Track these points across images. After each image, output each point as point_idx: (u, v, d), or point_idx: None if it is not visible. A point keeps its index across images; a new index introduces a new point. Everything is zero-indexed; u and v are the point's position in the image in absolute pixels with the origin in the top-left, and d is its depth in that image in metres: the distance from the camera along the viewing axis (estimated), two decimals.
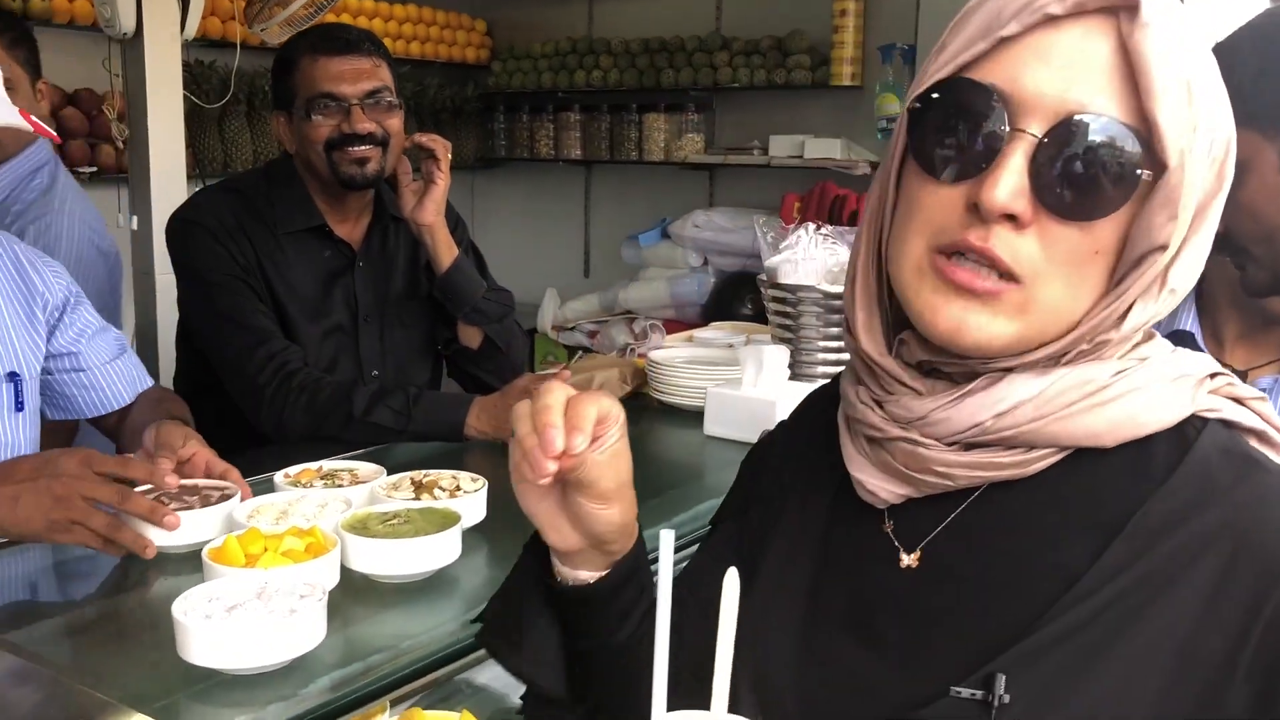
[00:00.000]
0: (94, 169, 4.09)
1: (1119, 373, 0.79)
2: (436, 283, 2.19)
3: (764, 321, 4.59)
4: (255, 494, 1.48)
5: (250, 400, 1.98)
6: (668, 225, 5.06)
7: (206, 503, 1.44)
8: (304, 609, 1.11)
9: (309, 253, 2.14)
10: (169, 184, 3.13)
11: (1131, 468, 0.79)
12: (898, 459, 0.83)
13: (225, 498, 1.46)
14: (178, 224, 2.13)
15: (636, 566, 0.88)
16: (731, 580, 0.79)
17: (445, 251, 2.17)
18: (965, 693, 0.77)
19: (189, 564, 1.33)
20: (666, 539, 0.80)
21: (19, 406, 1.68)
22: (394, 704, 1.35)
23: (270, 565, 1.22)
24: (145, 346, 3.20)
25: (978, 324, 0.77)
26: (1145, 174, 0.74)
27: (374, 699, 1.12)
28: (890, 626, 0.83)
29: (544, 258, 5.68)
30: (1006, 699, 0.75)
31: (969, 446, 0.80)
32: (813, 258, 2.06)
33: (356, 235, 2.21)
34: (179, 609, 1.10)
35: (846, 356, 2.17)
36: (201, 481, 1.51)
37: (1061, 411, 0.78)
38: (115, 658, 1.17)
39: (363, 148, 2.06)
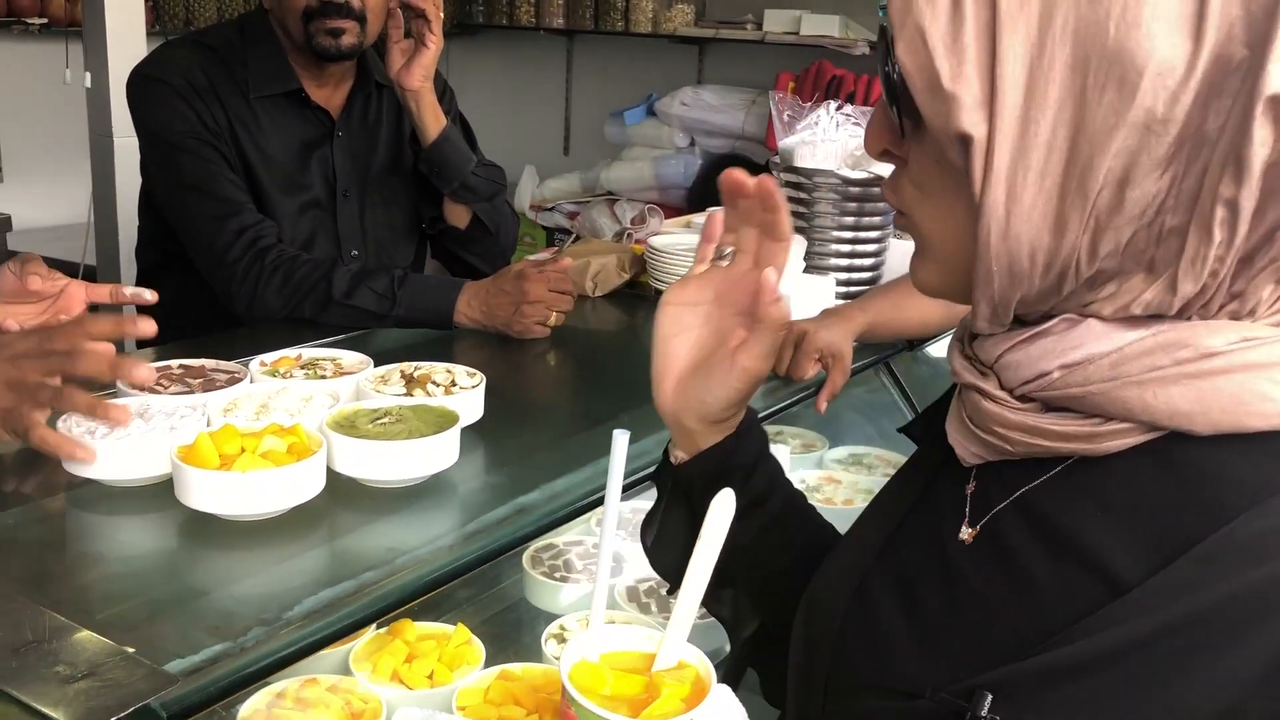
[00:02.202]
0: (43, 21, 3.82)
1: (1244, 341, 0.63)
2: (422, 155, 2.02)
3: None
4: (223, 382, 1.34)
5: (219, 277, 1.82)
6: (654, 102, 4.86)
7: (210, 387, 1.30)
8: (184, 427, 1.16)
9: (284, 119, 1.96)
10: (126, 39, 2.90)
11: (1226, 468, 0.64)
12: (967, 410, 0.73)
13: (233, 381, 1.32)
14: (141, 80, 1.93)
15: (746, 446, 0.90)
16: (724, 501, 0.74)
17: (432, 120, 1.99)
18: (946, 699, 0.67)
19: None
20: (619, 440, 0.79)
21: None
22: (383, 623, 1.24)
23: (249, 469, 1.08)
24: (104, 217, 3.02)
25: (914, 263, 0.74)
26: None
27: (367, 623, 1.00)
28: (929, 599, 0.74)
29: (522, 133, 5.45)
30: (993, 717, 0.65)
31: (1046, 408, 0.68)
32: (832, 139, 1.91)
33: (336, 102, 2.02)
34: (63, 426, 1.14)
35: (863, 248, 2.02)
36: (208, 362, 1.38)
37: (1142, 375, 0.64)
38: (86, 586, 1.04)
39: (339, 20, 1.87)
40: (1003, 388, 0.70)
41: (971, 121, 0.62)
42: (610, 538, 0.79)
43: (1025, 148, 0.61)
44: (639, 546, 1.59)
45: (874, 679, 0.74)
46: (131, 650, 0.87)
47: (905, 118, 0.68)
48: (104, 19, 2.88)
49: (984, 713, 0.64)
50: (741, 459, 0.90)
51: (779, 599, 0.93)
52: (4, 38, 4.08)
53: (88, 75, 2.94)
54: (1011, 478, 0.72)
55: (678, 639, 0.74)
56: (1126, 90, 0.58)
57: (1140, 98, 0.58)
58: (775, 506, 0.93)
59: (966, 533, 0.74)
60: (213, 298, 1.87)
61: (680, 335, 0.87)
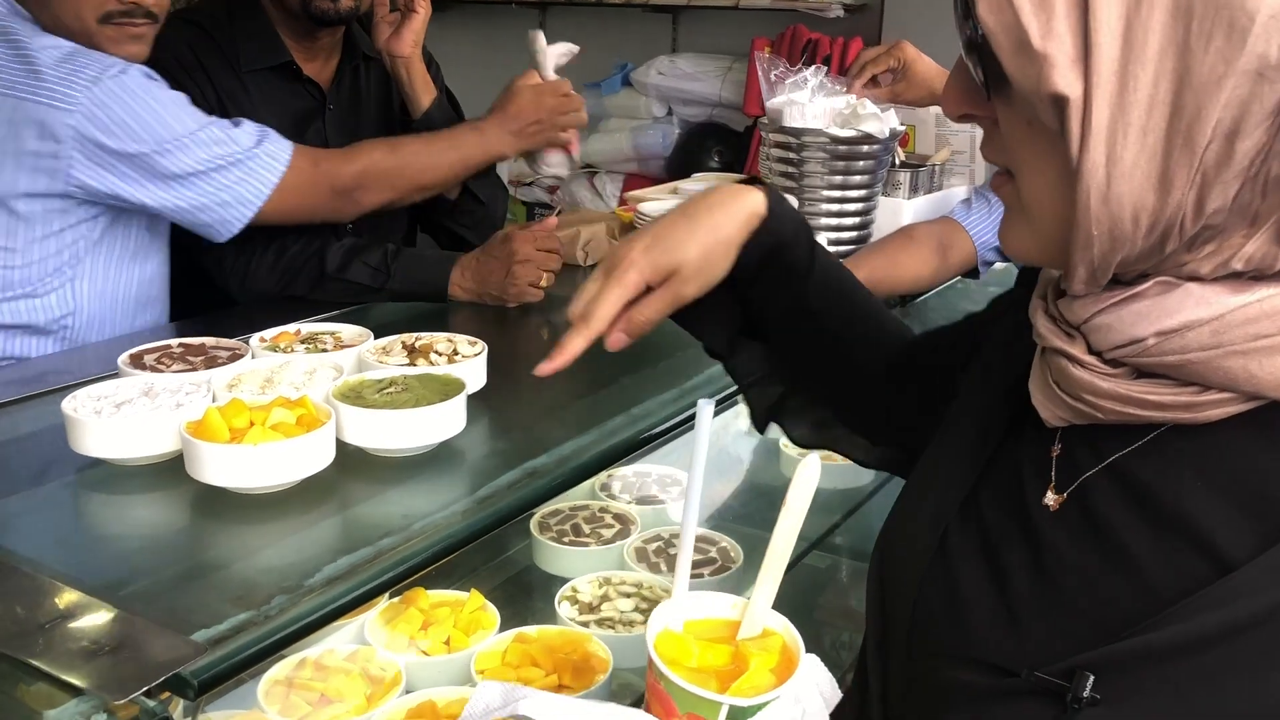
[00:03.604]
0: None
1: None
2: (413, 126, 2.01)
3: (732, 173, 4.43)
4: (225, 359, 1.34)
5: (211, 257, 1.81)
6: (629, 72, 4.83)
7: (212, 364, 1.30)
8: (190, 404, 1.15)
9: (275, 94, 1.94)
10: None
11: None
12: (1052, 374, 0.70)
13: (235, 357, 1.32)
14: None
15: (773, 241, 0.96)
16: (809, 468, 0.73)
17: (423, 90, 1.98)
18: (1044, 679, 0.65)
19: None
20: (704, 410, 0.76)
21: None
22: (395, 592, 1.25)
23: (259, 441, 1.08)
24: None
25: (1006, 227, 0.71)
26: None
27: (388, 588, 1.01)
28: (1016, 567, 0.71)
29: None
30: (1095, 697, 0.63)
31: (1138, 374, 0.66)
32: (819, 99, 1.91)
33: (326, 75, 2.01)
34: (69, 406, 1.13)
35: (851, 207, 2.02)
36: (208, 340, 1.39)
37: (1246, 344, 0.61)
38: (106, 563, 1.04)
39: None
40: (1091, 351, 0.67)
41: (1066, 81, 0.59)
42: (695, 503, 0.77)
43: (1125, 105, 0.58)
44: (645, 509, 1.61)
45: (959, 649, 0.72)
46: (157, 622, 0.88)
47: (989, 78, 0.64)
48: None
49: (1085, 694, 0.62)
50: (775, 238, 0.96)
51: (804, 365, 1.03)
52: None
53: None
54: (1101, 443, 0.69)
55: (763, 606, 0.73)
56: (1236, 36, 0.55)
57: (1252, 43, 0.55)
58: (819, 278, 0.99)
59: (1052, 498, 0.71)
60: (205, 278, 1.86)
61: None
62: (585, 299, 0.96)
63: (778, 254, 0.97)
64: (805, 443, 1.13)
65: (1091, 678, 0.63)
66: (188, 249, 1.85)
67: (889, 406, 1.03)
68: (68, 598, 0.91)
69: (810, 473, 0.73)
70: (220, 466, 1.08)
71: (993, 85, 0.65)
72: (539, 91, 2.04)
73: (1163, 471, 0.66)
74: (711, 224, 0.95)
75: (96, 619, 0.89)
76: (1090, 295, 0.66)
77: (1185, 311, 0.63)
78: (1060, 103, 0.59)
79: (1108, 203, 0.60)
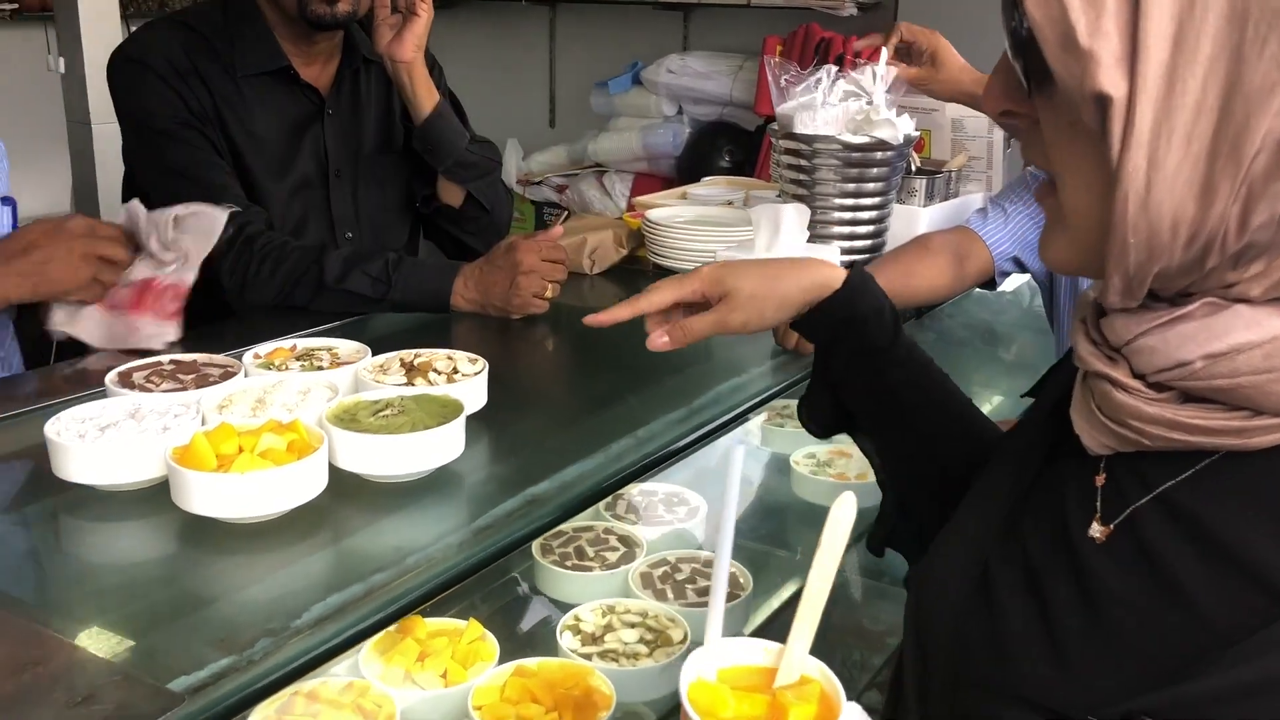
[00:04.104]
0: (14, 6, 3.73)
1: None
2: (415, 132, 1.96)
3: (742, 174, 4.39)
4: (217, 377, 1.29)
5: (209, 267, 1.76)
6: (640, 71, 4.78)
7: (204, 383, 1.26)
8: (178, 427, 1.11)
9: (272, 99, 1.90)
10: (100, 21, 2.83)
11: None
12: (1095, 400, 0.67)
13: (227, 375, 1.28)
14: (121, 63, 1.86)
15: (846, 314, 1.00)
16: (845, 505, 0.69)
17: (426, 95, 1.93)
18: None
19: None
20: (735, 455, 0.74)
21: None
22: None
23: (247, 469, 1.04)
24: (85, 205, 2.95)
25: (1045, 236, 0.69)
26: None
27: (379, 629, 0.96)
28: (1062, 601, 0.69)
29: (506, 106, 5.36)
30: None
31: (1185, 398, 0.63)
32: (832, 104, 1.85)
33: (325, 80, 1.96)
34: (51, 429, 1.10)
35: (865, 215, 1.98)
36: (200, 357, 1.34)
37: None
38: (83, 599, 0.99)
39: None
40: (1135, 375, 0.64)
41: (1110, 80, 0.57)
42: (726, 554, 0.75)
43: (1171, 109, 0.56)
44: (652, 530, 1.56)
45: (1004, 686, 0.70)
46: (133, 670, 0.83)
47: (1032, 75, 0.63)
48: (75, 2, 2.80)
49: None
50: (847, 311, 1.00)
51: (897, 456, 1.04)
52: None
53: (62, 61, 2.87)
54: (1148, 472, 0.66)
55: (800, 652, 0.70)
56: None
57: None
58: (898, 358, 1.00)
59: (1098, 530, 0.69)
60: (203, 288, 1.81)
61: None
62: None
63: (850, 327, 1.00)
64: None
65: None
66: None
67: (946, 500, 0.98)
68: (38, 640, 0.87)
69: (846, 511, 0.70)
70: (206, 496, 1.03)
71: (1035, 83, 0.63)
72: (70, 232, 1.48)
73: (1214, 501, 0.63)
74: (776, 273, 1.02)
75: (68, 664, 0.84)
76: (1133, 315, 0.64)
77: (1235, 334, 0.60)
78: (1103, 102, 0.57)
79: (1146, 210, 0.58)
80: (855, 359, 1.01)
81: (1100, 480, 0.70)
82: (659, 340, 1.07)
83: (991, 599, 0.73)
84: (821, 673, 0.70)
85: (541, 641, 1.37)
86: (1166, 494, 0.65)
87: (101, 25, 2.83)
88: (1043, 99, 0.63)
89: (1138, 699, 0.62)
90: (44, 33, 3.37)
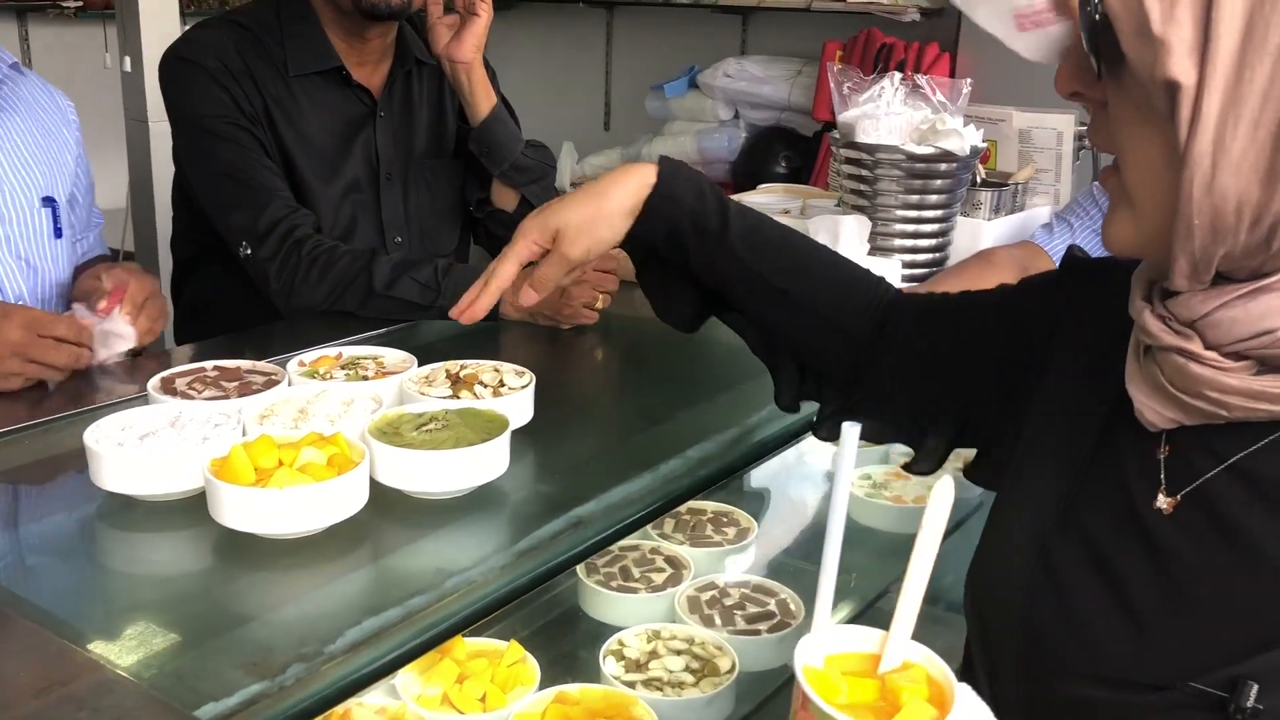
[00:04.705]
0: (79, 4, 3.77)
1: None
2: (472, 134, 1.93)
3: (799, 181, 4.32)
4: (260, 385, 1.27)
5: (256, 271, 1.75)
6: (696, 74, 4.73)
7: (246, 390, 1.23)
8: (217, 437, 1.09)
9: (324, 99, 1.87)
10: (160, 19, 2.84)
11: None
12: (1165, 374, 0.68)
13: (271, 383, 1.25)
14: (172, 63, 1.85)
15: (659, 223, 1.04)
16: (945, 487, 0.68)
17: (484, 97, 1.90)
18: (1203, 690, 0.64)
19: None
20: (849, 433, 0.73)
21: (58, 233, 1.63)
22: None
23: (286, 485, 1.00)
24: (141, 203, 2.96)
25: (1109, 219, 0.71)
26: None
27: (415, 655, 0.92)
28: (1135, 575, 0.70)
29: (560, 109, 5.35)
30: (1258, 708, 0.61)
31: (1261, 368, 0.64)
32: (895, 113, 1.80)
33: (377, 81, 1.94)
34: (90, 437, 1.08)
35: (927, 228, 1.91)
36: (244, 363, 1.32)
37: None
38: (113, 615, 0.96)
39: None
40: (1208, 347, 0.65)
41: (1181, 67, 0.59)
42: (838, 536, 0.73)
43: (1239, 96, 0.58)
44: (699, 552, 1.51)
45: (1082, 666, 0.71)
46: (161, 693, 0.80)
47: (1104, 59, 0.65)
48: (136, 0, 2.81)
49: (1249, 703, 0.61)
50: (671, 205, 1.02)
51: (778, 321, 1.06)
52: (42, 21, 4.03)
53: (125, 59, 2.88)
54: (1217, 443, 0.68)
55: (902, 637, 0.70)
56: None
57: None
58: (737, 238, 1.02)
59: (1165, 502, 0.70)
60: (251, 291, 1.80)
61: None
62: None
63: (681, 219, 1.02)
64: (829, 436, 1.12)
65: (1256, 687, 0.62)
66: (234, 262, 1.79)
67: (858, 366, 1.04)
68: (66, 658, 0.84)
69: (945, 493, 0.69)
70: (243, 511, 1.00)
71: (1107, 67, 0.65)
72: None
73: None
74: (597, 192, 1.05)
75: (94, 686, 0.81)
76: (1208, 291, 0.65)
77: None
78: (1173, 89, 0.60)
79: (1211, 193, 0.60)
80: (700, 242, 1.03)
81: (1163, 453, 0.71)
82: (528, 295, 1.11)
83: (1059, 582, 0.74)
84: (925, 657, 0.71)
85: (583, 665, 1.33)
86: (1240, 464, 0.67)
87: (161, 23, 2.84)
88: (1113, 82, 0.65)
89: (1239, 664, 0.63)
90: (102, 30, 3.40)
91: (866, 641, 0.72)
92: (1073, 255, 0.96)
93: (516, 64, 5.46)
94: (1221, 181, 0.60)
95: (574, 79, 5.44)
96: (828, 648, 0.73)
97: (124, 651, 0.87)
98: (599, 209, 1.04)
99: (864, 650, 0.72)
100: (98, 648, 0.87)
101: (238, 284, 1.83)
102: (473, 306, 1.12)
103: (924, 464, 1.05)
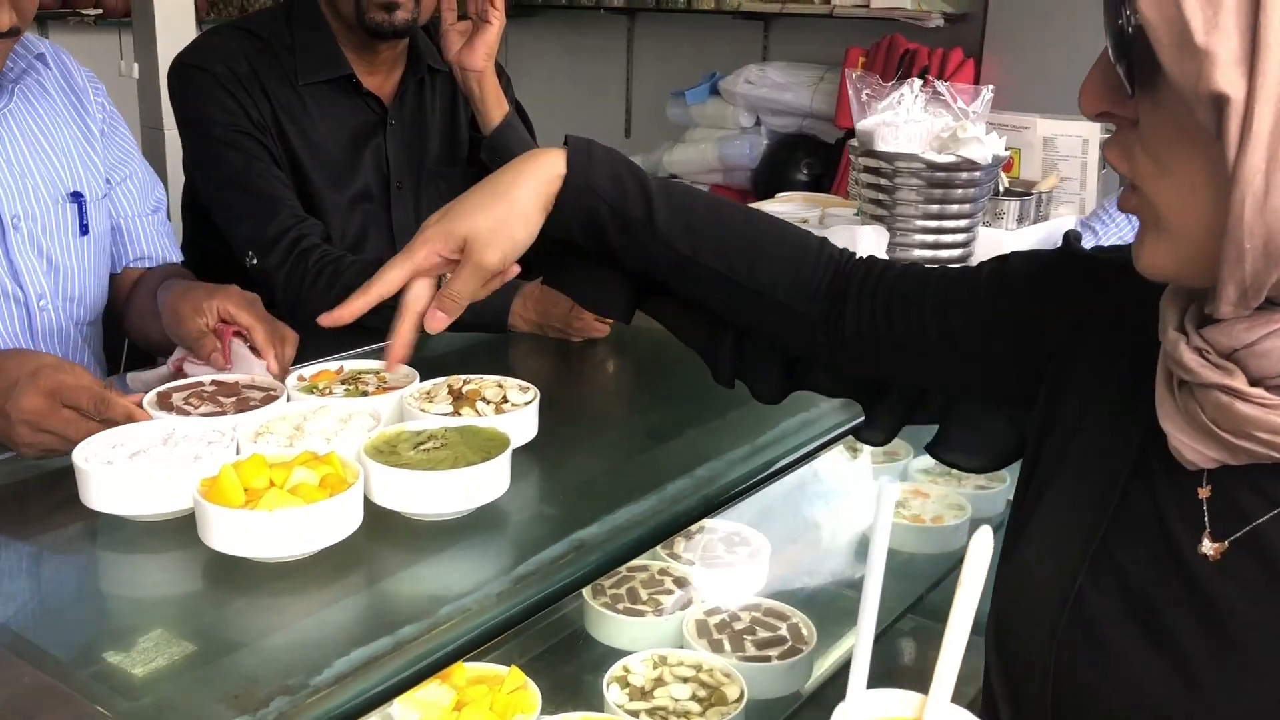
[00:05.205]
0: (99, 11, 3.77)
1: None
2: (484, 142, 1.89)
3: (822, 188, 4.27)
4: (258, 400, 1.24)
5: (263, 281, 1.72)
6: (718, 81, 4.70)
7: (244, 406, 1.20)
8: (210, 455, 1.05)
9: (334, 108, 1.85)
10: (175, 26, 2.82)
11: None
12: (1206, 412, 0.63)
13: (269, 399, 1.22)
14: (180, 69, 1.83)
15: (576, 193, 0.93)
16: (983, 540, 0.62)
17: (496, 105, 1.86)
18: None
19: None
20: (889, 492, 0.68)
21: (84, 230, 1.57)
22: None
23: (275, 507, 0.97)
24: None
25: (1141, 243, 0.66)
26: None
27: (406, 687, 0.89)
28: (1183, 628, 0.65)
29: (581, 116, 5.32)
30: None
31: None
32: (916, 120, 1.75)
33: (388, 89, 1.91)
34: (79, 455, 1.04)
35: (948, 238, 1.85)
36: (241, 377, 1.28)
37: None
38: (93, 641, 0.93)
39: None
40: (1253, 381, 0.61)
41: (1228, 80, 0.54)
42: (873, 603, 0.68)
43: None
44: (710, 572, 1.47)
45: (1124, 714, 0.67)
46: None
47: (1138, 75, 0.60)
48: (152, 7, 2.80)
49: None
50: (587, 196, 0.93)
51: (716, 307, 1.00)
52: (61, 29, 4.05)
53: (136, 66, 2.87)
54: (1266, 482, 0.63)
55: (943, 700, 0.67)
56: None
57: None
58: (665, 225, 0.94)
59: (1211, 547, 0.65)
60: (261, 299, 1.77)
61: None
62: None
63: (599, 209, 0.93)
64: (773, 398, 1.09)
65: None
66: (242, 271, 1.76)
67: (809, 344, 0.98)
68: (42, 692, 0.81)
69: (983, 545, 0.65)
70: (231, 534, 0.97)
71: (1140, 83, 0.61)
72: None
73: None
74: (503, 189, 0.93)
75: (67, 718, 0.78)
76: (1250, 319, 0.61)
77: None
78: (1220, 103, 0.55)
79: (1264, 214, 0.56)
80: (623, 230, 0.95)
81: (1205, 494, 0.66)
82: (436, 320, 1.00)
83: (1092, 628, 0.70)
84: None
85: (587, 691, 1.29)
86: None
87: (176, 31, 2.83)
88: (1146, 100, 0.61)
89: None
90: (117, 37, 3.40)
91: (904, 706, 0.69)
92: (1070, 246, 0.89)
93: (538, 71, 5.45)
94: (1275, 202, 0.56)
95: (595, 86, 5.42)
96: (866, 714, 0.69)
97: (102, 683, 0.84)
98: (509, 209, 0.93)
99: (902, 715, 0.69)
100: (74, 680, 0.84)
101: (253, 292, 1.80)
102: (337, 311, 1.03)
103: (875, 435, 1.02)
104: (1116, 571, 0.70)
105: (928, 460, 1.87)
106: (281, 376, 1.30)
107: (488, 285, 0.99)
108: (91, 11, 3.72)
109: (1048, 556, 0.75)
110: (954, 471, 1.84)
